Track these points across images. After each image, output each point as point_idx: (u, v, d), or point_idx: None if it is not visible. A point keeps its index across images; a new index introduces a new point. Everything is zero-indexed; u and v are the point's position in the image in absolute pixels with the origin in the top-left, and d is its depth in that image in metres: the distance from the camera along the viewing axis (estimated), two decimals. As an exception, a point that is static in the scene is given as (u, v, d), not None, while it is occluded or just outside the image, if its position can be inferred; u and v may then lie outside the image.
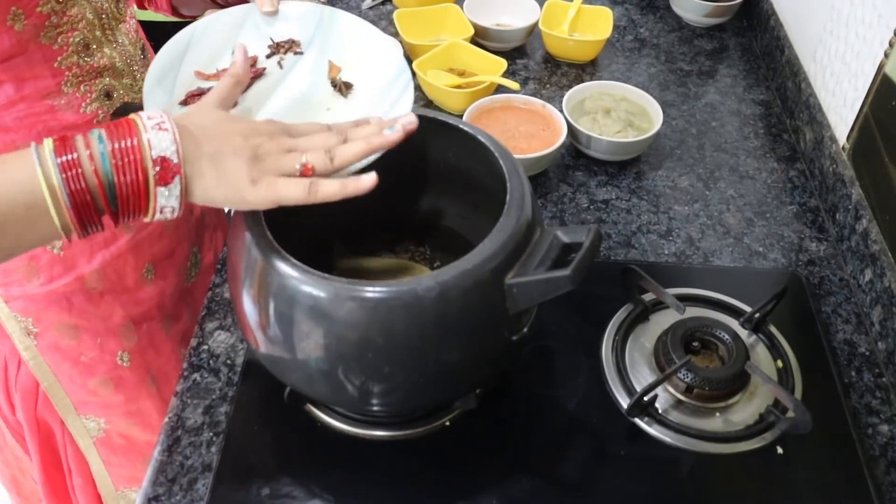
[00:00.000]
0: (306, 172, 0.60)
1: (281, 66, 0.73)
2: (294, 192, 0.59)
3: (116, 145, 0.54)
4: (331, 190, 0.60)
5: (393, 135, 0.64)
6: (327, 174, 0.61)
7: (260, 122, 0.62)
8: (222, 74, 0.70)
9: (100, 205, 0.55)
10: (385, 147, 0.64)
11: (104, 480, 1.05)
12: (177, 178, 0.56)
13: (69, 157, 0.53)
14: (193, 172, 0.57)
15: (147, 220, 0.57)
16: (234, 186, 0.58)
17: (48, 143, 0.54)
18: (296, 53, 0.74)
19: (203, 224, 1.06)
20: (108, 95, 0.82)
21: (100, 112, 0.81)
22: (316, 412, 0.75)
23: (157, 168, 0.55)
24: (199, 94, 0.69)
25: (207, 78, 0.71)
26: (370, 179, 0.62)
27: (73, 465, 1.02)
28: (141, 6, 0.92)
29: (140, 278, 0.92)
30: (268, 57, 0.73)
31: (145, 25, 0.93)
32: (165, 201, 0.56)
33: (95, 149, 0.54)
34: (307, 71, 0.73)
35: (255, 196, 0.58)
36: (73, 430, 0.98)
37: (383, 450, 0.73)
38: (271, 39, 0.74)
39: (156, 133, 0.55)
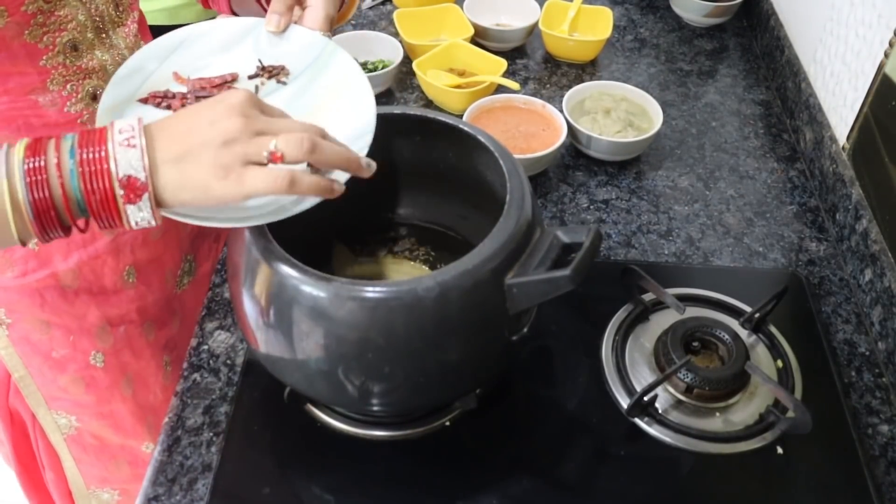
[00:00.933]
0: (274, 159, 0.56)
1: (256, 91, 0.69)
2: (264, 185, 0.56)
3: (85, 155, 0.54)
4: (305, 185, 0.57)
5: (367, 169, 0.62)
6: (298, 162, 0.57)
7: (240, 97, 0.58)
8: (197, 83, 0.68)
9: (63, 215, 0.55)
10: (358, 172, 0.62)
11: (75, 478, 1.04)
12: (145, 196, 0.55)
13: (36, 162, 0.53)
14: (162, 182, 0.55)
15: (127, 229, 0.57)
16: (201, 184, 0.56)
17: (20, 145, 0.54)
18: (279, 82, 0.70)
19: (202, 232, 1.04)
20: (95, 97, 0.80)
21: (84, 113, 0.80)
22: (316, 412, 0.75)
23: (123, 190, 0.54)
24: (164, 96, 0.67)
25: (182, 82, 0.69)
26: (342, 184, 0.60)
27: (45, 460, 1.01)
28: (205, 5, 0.92)
29: (119, 280, 0.90)
30: (249, 77, 0.70)
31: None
32: (137, 216, 0.55)
33: (65, 160, 0.54)
34: (282, 102, 0.69)
35: (224, 190, 0.56)
36: (44, 424, 0.97)
37: (383, 450, 0.73)
38: (259, 61, 0.71)
39: (123, 151, 0.54)
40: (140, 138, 0.55)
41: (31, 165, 0.53)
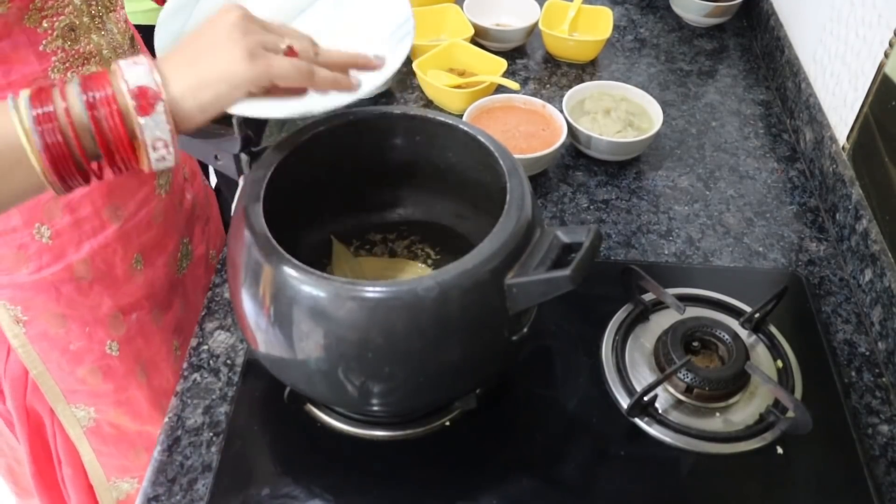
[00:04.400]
0: (290, 53, 0.59)
1: None
2: (290, 68, 0.58)
3: (91, 95, 0.53)
4: (325, 78, 0.60)
5: (376, 61, 0.66)
6: (309, 60, 0.61)
7: (237, 14, 0.59)
8: None
9: (77, 156, 0.53)
10: (367, 66, 0.66)
11: (96, 471, 1.05)
12: (159, 104, 0.53)
13: (45, 109, 0.52)
14: (178, 88, 0.55)
15: (144, 167, 0.55)
16: (226, 73, 0.56)
17: (24, 94, 0.53)
18: None
19: (194, 215, 1.06)
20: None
21: None
22: (316, 412, 0.75)
23: (135, 101, 0.53)
24: None
25: None
26: (359, 80, 0.63)
27: (63, 456, 1.02)
28: None
29: (129, 269, 0.92)
30: None
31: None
32: (154, 133, 0.53)
33: (72, 95, 0.53)
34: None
35: (253, 71, 0.56)
36: (63, 419, 0.98)
37: (383, 450, 0.73)
38: None
39: (130, 67, 0.53)
40: (145, 58, 0.55)
41: (40, 112, 0.52)
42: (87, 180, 0.56)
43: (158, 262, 0.96)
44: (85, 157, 0.54)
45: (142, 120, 0.53)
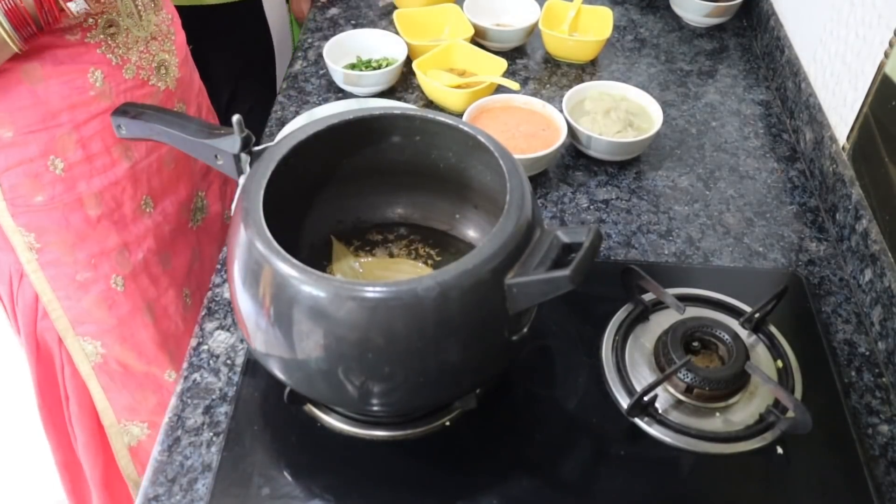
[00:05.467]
0: None
1: None
2: None
3: None
4: None
5: None
6: None
7: None
8: None
9: None
10: None
11: (106, 410, 1.08)
12: None
13: None
14: None
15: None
16: None
17: None
18: None
19: (211, 170, 1.10)
20: (111, 27, 0.88)
21: (102, 44, 0.87)
22: (316, 412, 0.75)
23: None
24: None
25: None
26: None
27: (71, 392, 1.06)
28: None
29: (137, 209, 0.98)
30: None
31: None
32: None
33: None
34: None
35: None
36: (71, 351, 1.02)
37: (383, 450, 0.73)
38: None
39: None
40: None
41: None
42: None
43: (168, 207, 1.02)
44: None
45: None
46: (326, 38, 1.22)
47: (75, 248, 0.95)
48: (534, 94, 1.16)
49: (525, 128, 1.05)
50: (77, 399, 1.06)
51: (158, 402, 1.10)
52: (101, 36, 0.87)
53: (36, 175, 0.89)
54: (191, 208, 1.07)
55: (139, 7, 0.92)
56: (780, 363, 0.80)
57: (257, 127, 1.64)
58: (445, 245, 0.85)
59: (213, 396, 0.78)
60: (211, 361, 0.81)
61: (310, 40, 1.32)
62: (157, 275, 1.03)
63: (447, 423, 0.74)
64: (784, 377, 0.79)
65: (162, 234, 1.02)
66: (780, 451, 0.73)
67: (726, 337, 0.79)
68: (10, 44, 0.76)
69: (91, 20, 0.85)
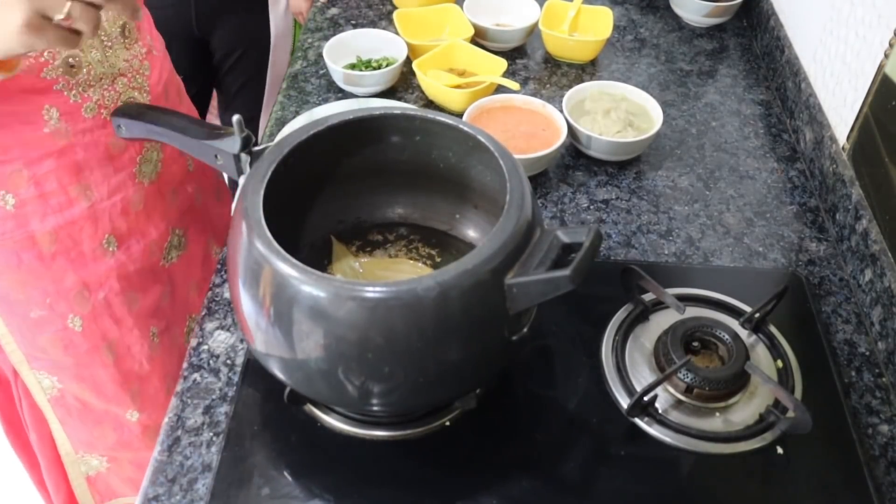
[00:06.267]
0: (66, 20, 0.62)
1: None
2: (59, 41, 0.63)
3: None
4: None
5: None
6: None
7: None
8: None
9: None
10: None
11: (63, 442, 1.05)
12: None
13: None
14: None
15: None
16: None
17: None
18: None
19: (194, 207, 1.05)
20: (72, 66, 0.82)
21: (60, 81, 0.82)
22: (316, 412, 0.75)
23: None
24: None
25: None
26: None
27: (29, 420, 1.03)
28: None
29: (98, 248, 0.92)
30: None
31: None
32: None
33: None
34: None
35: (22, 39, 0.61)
36: (28, 384, 0.98)
37: (383, 450, 0.73)
38: None
39: None
40: None
41: None
42: None
43: (135, 247, 0.95)
44: None
45: None
46: (326, 38, 1.22)
47: (27, 285, 0.89)
48: (534, 94, 1.16)
49: (525, 128, 1.05)
50: (35, 428, 1.03)
51: (119, 439, 1.06)
52: (59, 72, 0.81)
53: None
54: (163, 247, 1.00)
55: (105, 42, 0.85)
56: (780, 363, 0.80)
57: (248, 108, 1.67)
58: (445, 245, 0.85)
59: (213, 396, 0.78)
60: (211, 361, 0.81)
61: (310, 40, 1.32)
62: (121, 316, 0.97)
63: (447, 423, 0.74)
64: (784, 377, 0.79)
65: (128, 274, 0.95)
66: (780, 451, 0.73)
67: (726, 337, 0.79)
68: None
69: (48, 54, 0.79)
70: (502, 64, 1.16)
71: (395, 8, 1.34)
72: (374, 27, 1.33)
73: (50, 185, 0.85)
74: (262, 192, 0.65)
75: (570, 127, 1.04)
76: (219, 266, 0.92)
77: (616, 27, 1.34)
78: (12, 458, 1.15)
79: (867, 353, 0.84)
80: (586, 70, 1.26)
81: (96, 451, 1.07)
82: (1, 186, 0.83)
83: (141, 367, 1.01)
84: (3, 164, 0.82)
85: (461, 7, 1.28)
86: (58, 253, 0.89)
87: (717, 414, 0.76)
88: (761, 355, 0.81)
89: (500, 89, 1.15)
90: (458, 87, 1.14)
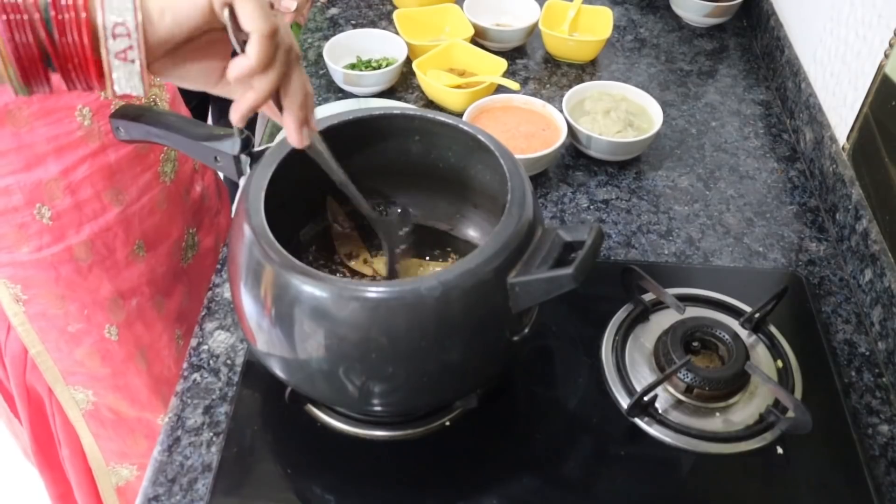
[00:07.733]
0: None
1: None
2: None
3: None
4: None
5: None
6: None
7: None
8: None
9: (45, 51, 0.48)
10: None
11: (94, 455, 1.05)
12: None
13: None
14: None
15: (103, 57, 0.49)
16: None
17: None
18: None
19: (203, 207, 1.06)
20: None
21: None
22: (316, 412, 0.75)
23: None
24: None
25: None
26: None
27: (61, 436, 1.03)
28: None
29: (130, 254, 0.93)
30: None
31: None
32: (112, 16, 0.48)
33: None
34: None
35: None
36: (61, 400, 0.98)
37: (383, 450, 0.73)
38: None
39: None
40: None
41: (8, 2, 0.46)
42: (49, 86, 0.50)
43: (161, 249, 0.97)
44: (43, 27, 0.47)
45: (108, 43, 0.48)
46: (326, 38, 1.22)
47: (66, 299, 0.90)
48: (534, 94, 1.16)
49: (525, 128, 1.05)
50: (67, 444, 1.03)
51: (150, 445, 1.05)
52: None
53: (21, 225, 0.83)
54: (182, 247, 1.02)
55: None
56: (780, 363, 0.80)
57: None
58: (446, 245, 0.84)
59: (213, 396, 0.78)
60: (211, 361, 0.81)
61: (310, 40, 1.32)
62: (152, 319, 0.98)
63: (447, 423, 0.74)
64: (784, 377, 0.79)
65: (155, 278, 0.97)
66: (780, 451, 0.73)
67: (726, 337, 0.79)
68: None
69: None
70: (502, 64, 1.16)
71: (395, 8, 1.34)
72: (374, 27, 1.33)
73: (84, 193, 0.86)
74: (262, 194, 0.65)
75: (570, 127, 1.04)
76: (219, 266, 0.92)
77: (616, 27, 1.34)
78: (28, 478, 1.14)
79: (867, 353, 0.84)
80: (586, 70, 1.26)
81: (127, 461, 1.08)
82: (37, 199, 0.83)
83: (169, 371, 1.03)
84: (39, 174, 0.82)
85: (461, 7, 1.28)
86: (94, 263, 0.90)
87: (717, 414, 0.76)
88: (761, 355, 0.81)
89: (500, 89, 1.15)
90: (458, 87, 1.14)
